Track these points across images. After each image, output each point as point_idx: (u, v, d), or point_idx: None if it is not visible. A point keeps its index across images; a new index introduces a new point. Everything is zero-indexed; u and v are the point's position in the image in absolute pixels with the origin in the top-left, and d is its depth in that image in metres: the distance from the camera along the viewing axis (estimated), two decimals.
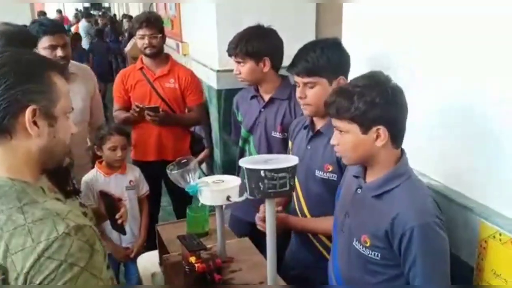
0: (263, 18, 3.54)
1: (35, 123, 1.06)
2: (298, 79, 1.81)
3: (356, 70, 1.93)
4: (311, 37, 3.77)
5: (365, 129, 1.38)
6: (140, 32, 2.97)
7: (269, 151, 2.31)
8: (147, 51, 3.01)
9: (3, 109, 1.03)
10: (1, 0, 5.65)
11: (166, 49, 4.31)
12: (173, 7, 5.66)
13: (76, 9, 19.58)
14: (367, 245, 1.43)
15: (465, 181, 1.55)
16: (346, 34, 2.15)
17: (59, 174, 1.51)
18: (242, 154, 2.50)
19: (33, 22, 2.58)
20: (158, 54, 3.05)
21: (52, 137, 1.10)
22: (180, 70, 3.13)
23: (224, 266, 1.71)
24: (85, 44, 9.52)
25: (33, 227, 0.99)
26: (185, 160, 1.67)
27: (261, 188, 1.33)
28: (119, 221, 1.78)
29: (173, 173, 1.63)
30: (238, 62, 2.28)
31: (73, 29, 11.90)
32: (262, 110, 2.35)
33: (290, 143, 2.09)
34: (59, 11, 14.58)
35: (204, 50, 4.38)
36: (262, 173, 1.31)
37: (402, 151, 1.47)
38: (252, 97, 2.42)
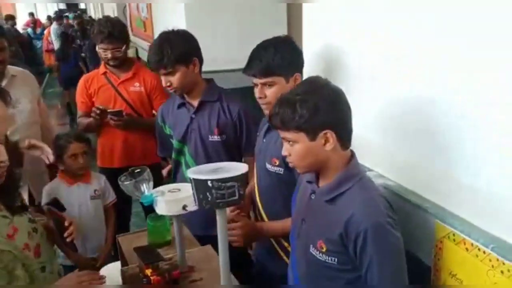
0: (233, 19, 3.50)
1: None
2: (255, 80, 1.80)
3: (315, 69, 1.92)
4: None
5: (313, 135, 1.36)
6: (102, 46, 2.89)
7: (208, 157, 2.23)
8: (110, 62, 2.94)
9: None
10: None
11: (139, 51, 4.22)
12: (145, 9, 5.57)
13: (55, 11, 19.21)
14: (323, 250, 1.41)
15: (420, 181, 1.54)
16: (306, 33, 2.13)
17: (3, 191, 1.46)
18: (177, 167, 2.40)
19: None
20: (122, 63, 2.98)
21: None
22: (146, 74, 3.05)
23: (184, 276, 1.68)
24: (56, 47, 9.33)
25: None
26: (139, 170, 1.62)
27: (209, 199, 1.29)
28: (68, 239, 1.74)
29: (125, 184, 1.58)
30: (168, 74, 2.16)
31: (46, 32, 11.69)
32: (194, 116, 2.27)
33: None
34: (32, 14, 14.33)
35: None
36: (209, 183, 1.28)
37: (352, 153, 1.45)
38: (179, 106, 2.32)
